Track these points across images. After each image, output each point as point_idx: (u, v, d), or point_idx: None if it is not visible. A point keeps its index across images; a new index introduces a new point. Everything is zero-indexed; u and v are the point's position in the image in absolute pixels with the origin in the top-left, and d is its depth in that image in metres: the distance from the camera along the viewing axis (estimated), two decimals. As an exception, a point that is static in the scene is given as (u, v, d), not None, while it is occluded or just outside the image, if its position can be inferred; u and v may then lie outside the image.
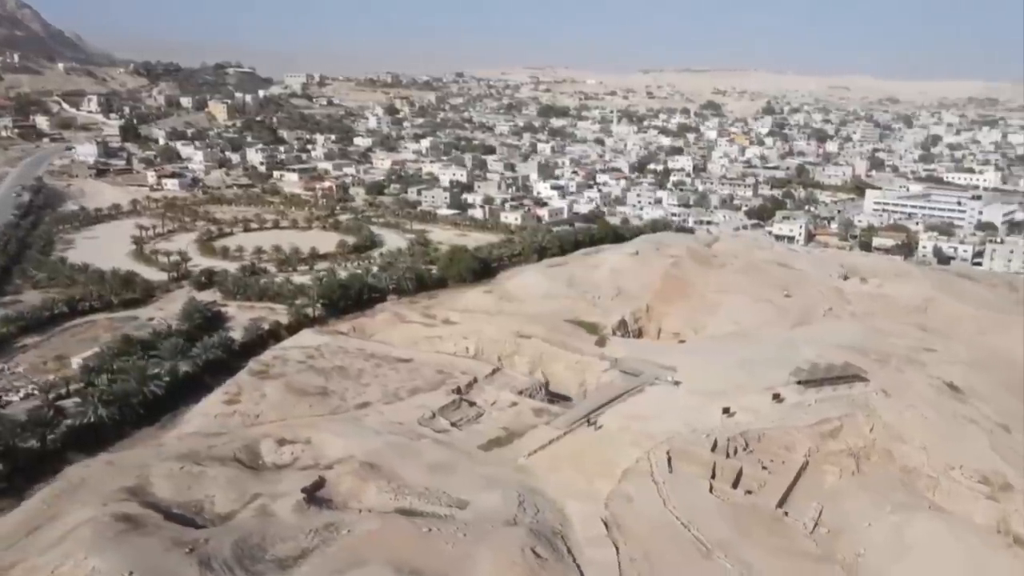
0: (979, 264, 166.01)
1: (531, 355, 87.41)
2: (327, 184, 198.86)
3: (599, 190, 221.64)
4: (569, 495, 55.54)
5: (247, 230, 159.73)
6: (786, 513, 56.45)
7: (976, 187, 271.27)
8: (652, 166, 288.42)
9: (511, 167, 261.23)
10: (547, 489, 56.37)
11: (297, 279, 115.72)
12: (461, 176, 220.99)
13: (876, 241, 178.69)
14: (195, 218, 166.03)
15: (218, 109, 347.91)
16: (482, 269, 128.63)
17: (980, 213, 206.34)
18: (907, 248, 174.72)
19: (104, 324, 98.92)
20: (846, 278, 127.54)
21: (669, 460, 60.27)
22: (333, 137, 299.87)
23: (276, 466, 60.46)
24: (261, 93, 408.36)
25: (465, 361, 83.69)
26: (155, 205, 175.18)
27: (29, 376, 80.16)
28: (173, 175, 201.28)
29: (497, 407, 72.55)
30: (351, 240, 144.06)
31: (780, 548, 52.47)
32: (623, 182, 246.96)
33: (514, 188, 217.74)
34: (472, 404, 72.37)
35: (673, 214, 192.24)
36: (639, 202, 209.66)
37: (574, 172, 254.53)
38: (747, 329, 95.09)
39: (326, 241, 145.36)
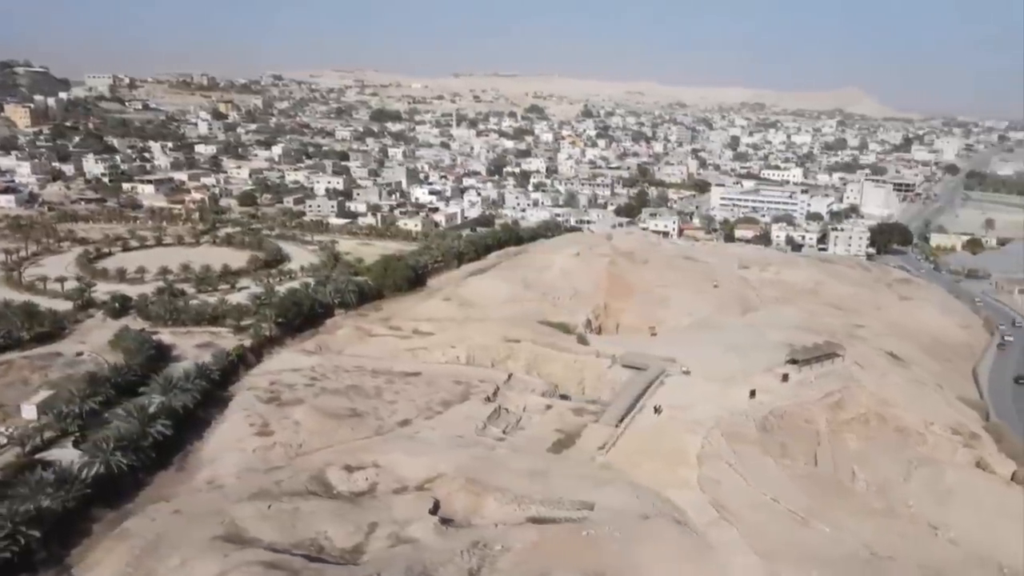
0: (824, 249, 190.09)
1: (525, 358, 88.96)
2: (198, 196, 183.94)
3: (478, 193, 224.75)
4: (663, 485, 58.55)
5: (127, 249, 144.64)
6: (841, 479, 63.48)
7: (787, 182, 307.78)
8: (508, 169, 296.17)
9: (375, 173, 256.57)
10: (641, 481, 58.97)
11: (232, 299, 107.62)
12: (338, 184, 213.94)
13: (737, 233, 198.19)
14: (56, 238, 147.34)
15: (18, 113, 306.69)
16: (415, 277, 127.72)
17: (809, 205, 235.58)
18: (764, 238, 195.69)
19: (23, 364, 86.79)
20: (745, 268, 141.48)
21: (726, 443, 65.21)
22: (170, 145, 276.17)
23: (353, 494, 57.62)
24: (63, 95, 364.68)
25: (475, 370, 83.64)
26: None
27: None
28: (7, 190, 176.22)
29: (531, 412, 73.71)
30: (261, 255, 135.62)
31: (854, 509, 59.26)
32: (488, 185, 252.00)
33: (398, 195, 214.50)
34: (508, 411, 72.89)
35: (557, 215, 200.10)
36: (518, 204, 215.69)
37: (443, 177, 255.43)
38: (703, 319, 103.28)
39: (226, 257, 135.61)
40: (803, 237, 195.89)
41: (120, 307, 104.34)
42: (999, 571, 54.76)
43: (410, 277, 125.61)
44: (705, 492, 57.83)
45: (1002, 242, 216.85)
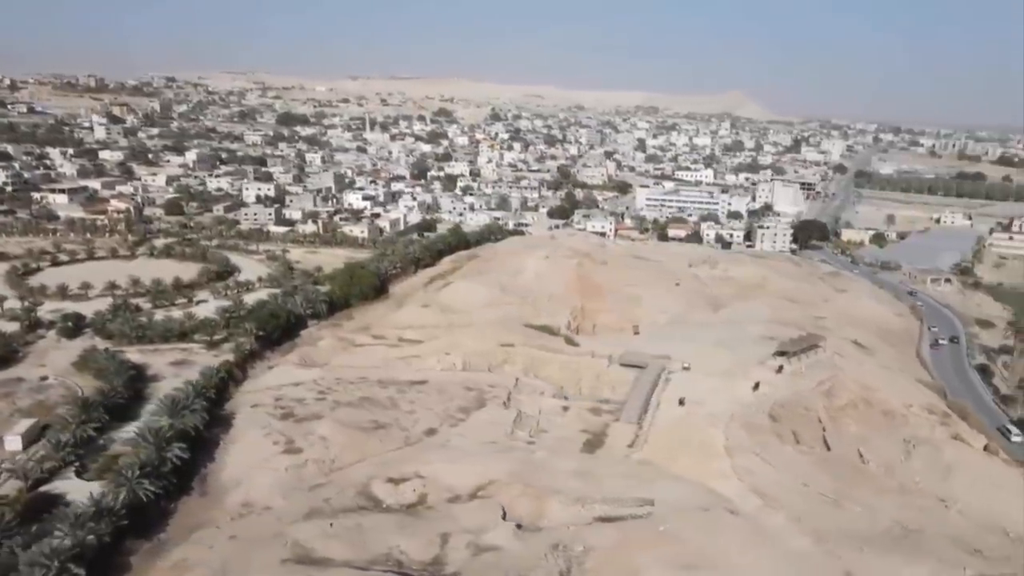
0: (751, 246, 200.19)
1: (522, 362, 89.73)
2: (121, 206, 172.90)
3: (413, 198, 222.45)
4: (704, 477, 60.96)
5: (56, 263, 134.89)
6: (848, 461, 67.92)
7: (700, 183, 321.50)
8: (432, 173, 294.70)
9: (300, 179, 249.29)
10: (682, 474, 61.17)
11: (196, 313, 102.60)
12: (268, 191, 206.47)
13: (671, 233, 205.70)
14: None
15: None
16: (380, 285, 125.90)
17: (730, 204, 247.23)
18: (696, 237, 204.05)
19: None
20: (694, 266, 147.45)
21: (746, 434, 68.48)
22: (71, 151, 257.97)
23: (403, 506, 56.93)
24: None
25: (483, 376, 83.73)
26: None
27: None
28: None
29: (549, 414, 74.64)
30: (213, 267, 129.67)
31: (873, 488, 63.70)
32: (418, 189, 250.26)
33: (333, 201, 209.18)
34: (527, 415, 73.55)
35: (496, 218, 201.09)
36: (454, 208, 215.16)
37: (373, 182, 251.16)
38: (679, 317, 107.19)
39: (171, 270, 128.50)
40: (731, 235, 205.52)
41: (74, 326, 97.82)
42: (1005, 536, 60.35)
43: (375, 285, 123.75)
44: (743, 481, 60.60)
45: (901, 236, 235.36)
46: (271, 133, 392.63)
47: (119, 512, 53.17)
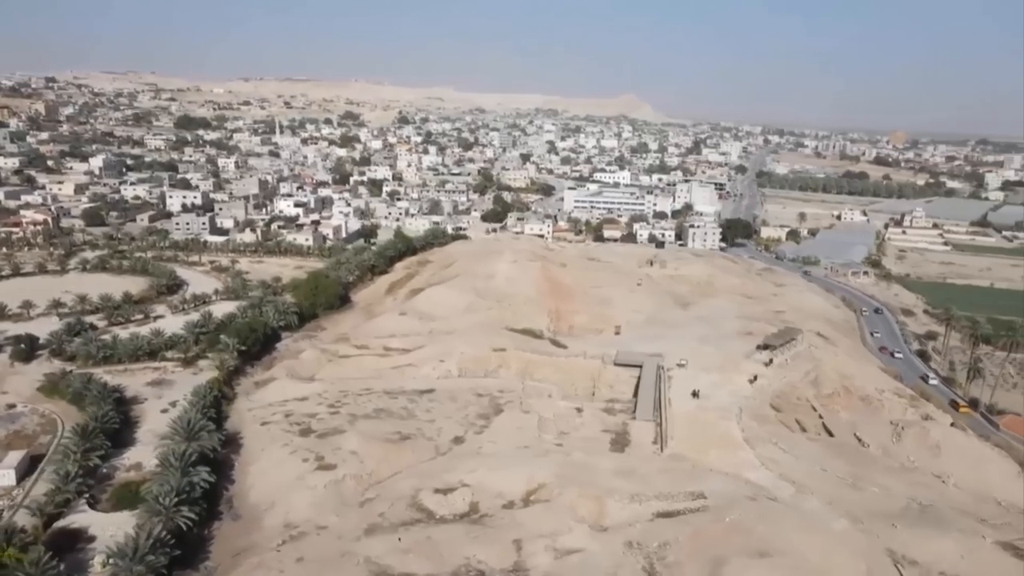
0: (683, 244, 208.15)
1: (516, 366, 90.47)
2: (39, 217, 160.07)
3: (347, 204, 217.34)
4: (736, 467, 63.83)
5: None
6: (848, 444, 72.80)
7: (618, 184, 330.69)
8: (354, 178, 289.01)
9: (219, 186, 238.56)
10: (715, 466, 63.79)
11: (168, 329, 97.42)
12: (195, 198, 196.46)
13: (606, 233, 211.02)
14: None
15: None
16: (344, 294, 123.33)
17: (655, 204, 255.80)
18: (630, 237, 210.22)
19: (-56, 423, 73.79)
20: (645, 265, 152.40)
21: (758, 425, 72.13)
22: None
23: (457, 515, 56.72)
24: None
25: (490, 382, 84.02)
26: None
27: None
28: None
29: (564, 416, 75.80)
30: (163, 281, 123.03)
31: (880, 469, 68.60)
32: (346, 194, 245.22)
33: (266, 208, 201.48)
34: (545, 418, 74.48)
35: (435, 222, 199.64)
36: (390, 214, 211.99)
37: (300, 188, 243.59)
38: (652, 316, 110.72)
39: (111, 285, 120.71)
40: (663, 235, 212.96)
41: (28, 349, 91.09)
42: (998, 505, 66.47)
43: (340, 294, 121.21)
44: (771, 471, 63.95)
45: (812, 232, 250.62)
46: (173, 137, 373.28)
47: (168, 542, 50.40)
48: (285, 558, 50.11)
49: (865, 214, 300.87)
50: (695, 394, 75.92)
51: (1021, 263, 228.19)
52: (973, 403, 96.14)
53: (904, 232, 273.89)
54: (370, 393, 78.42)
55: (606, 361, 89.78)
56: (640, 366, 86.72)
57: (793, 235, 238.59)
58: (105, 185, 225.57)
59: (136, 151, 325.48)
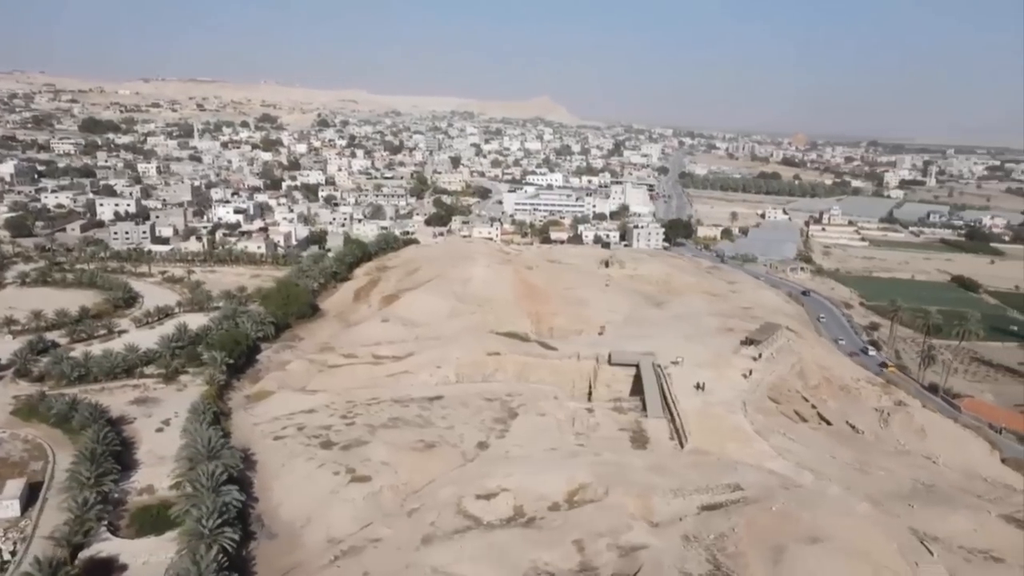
0: (628, 245, 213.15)
1: (513, 369, 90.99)
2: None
3: (290, 209, 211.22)
4: (756, 458, 66.38)
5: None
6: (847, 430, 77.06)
7: (551, 186, 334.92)
8: (287, 183, 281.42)
9: (146, 193, 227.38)
10: (736, 458, 66.16)
11: (140, 344, 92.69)
12: (128, 206, 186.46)
13: (553, 235, 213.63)
14: None
15: None
16: (313, 302, 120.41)
17: (594, 206, 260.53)
18: (577, 239, 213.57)
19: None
20: (604, 266, 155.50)
21: (763, 417, 75.30)
22: None
23: (504, 520, 56.83)
24: None
25: (497, 386, 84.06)
26: None
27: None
28: None
29: (575, 417, 76.81)
30: (119, 294, 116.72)
31: (879, 453, 72.91)
32: (281, 199, 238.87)
33: (207, 216, 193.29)
34: (562, 420, 75.35)
35: (383, 227, 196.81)
36: (335, 220, 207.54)
37: (235, 194, 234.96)
38: (630, 315, 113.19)
39: (59, 299, 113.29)
40: (607, 235, 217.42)
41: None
42: (984, 481, 71.88)
43: (310, 302, 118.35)
44: (787, 460, 66.92)
45: (743, 231, 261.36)
46: (82, 142, 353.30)
47: (225, 565, 48.46)
48: (346, 574, 49.00)
49: (786, 212, 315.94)
50: (699, 386, 78.44)
51: (933, 256, 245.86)
52: (933, 388, 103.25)
53: (824, 229, 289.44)
54: (379, 402, 77.16)
55: (601, 361, 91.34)
56: (636, 365, 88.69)
57: (727, 234, 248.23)
58: (20, 193, 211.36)
59: (43, 156, 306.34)
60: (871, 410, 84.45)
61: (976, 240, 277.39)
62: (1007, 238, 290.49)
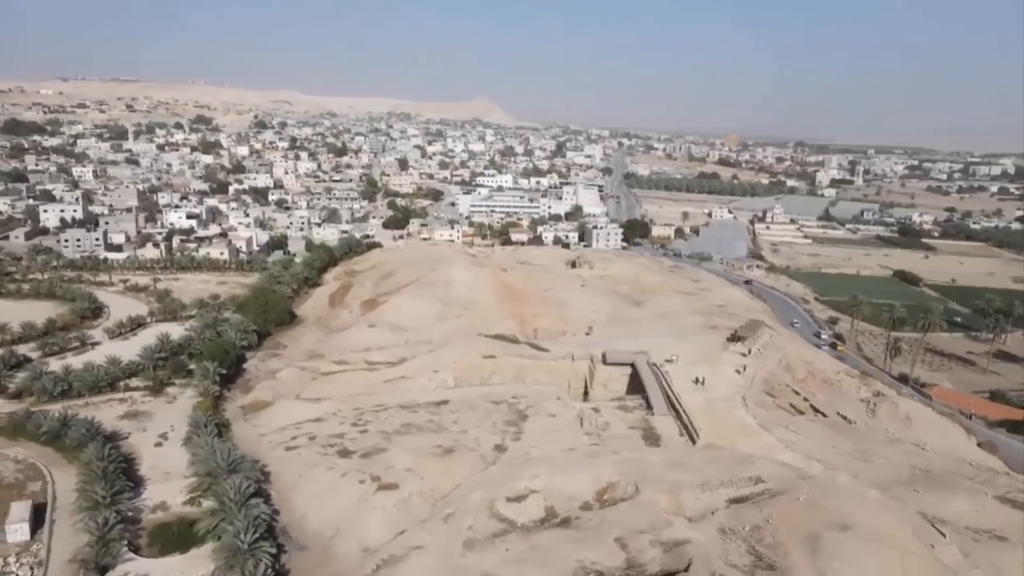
0: (587, 245, 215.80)
1: (510, 371, 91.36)
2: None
3: (246, 214, 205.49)
4: (767, 451, 68.51)
5: None
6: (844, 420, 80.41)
7: (501, 188, 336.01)
8: (234, 187, 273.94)
9: (88, 198, 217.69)
10: (748, 451, 68.19)
11: (118, 356, 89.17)
12: (75, 212, 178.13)
13: (514, 237, 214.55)
14: None
15: None
16: (290, 309, 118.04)
17: (550, 207, 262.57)
18: (537, 240, 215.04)
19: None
20: (573, 267, 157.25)
21: (764, 412, 77.85)
22: None
23: (536, 522, 57.31)
24: None
25: (501, 389, 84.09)
26: None
27: None
28: None
29: (583, 417, 77.79)
30: (85, 305, 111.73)
31: (874, 443, 76.27)
32: (231, 203, 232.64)
33: (160, 221, 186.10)
34: (572, 420, 76.18)
35: (344, 231, 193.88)
36: (292, 224, 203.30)
37: (184, 198, 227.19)
38: (612, 315, 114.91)
39: (24, 311, 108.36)
40: (567, 236, 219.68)
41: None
42: (970, 466, 76.09)
43: (288, 309, 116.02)
44: (795, 452, 69.40)
45: (695, 230, 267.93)
46: (7, 144, 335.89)
47: (272, 583, 47.46)
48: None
49: (731, 212, 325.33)
50: (698, 380, 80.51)
51: (872, 252, 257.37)
52: (903, 378, 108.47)
53: (768, 228, 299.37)
54: (386, 409, 76.42)
55: (596, 361, 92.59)
56: (631, 364, 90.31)
57: (680, 233, 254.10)
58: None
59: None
60: (856, 401, 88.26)
61: (909, 236, 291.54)
62: (936, 234, 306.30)
